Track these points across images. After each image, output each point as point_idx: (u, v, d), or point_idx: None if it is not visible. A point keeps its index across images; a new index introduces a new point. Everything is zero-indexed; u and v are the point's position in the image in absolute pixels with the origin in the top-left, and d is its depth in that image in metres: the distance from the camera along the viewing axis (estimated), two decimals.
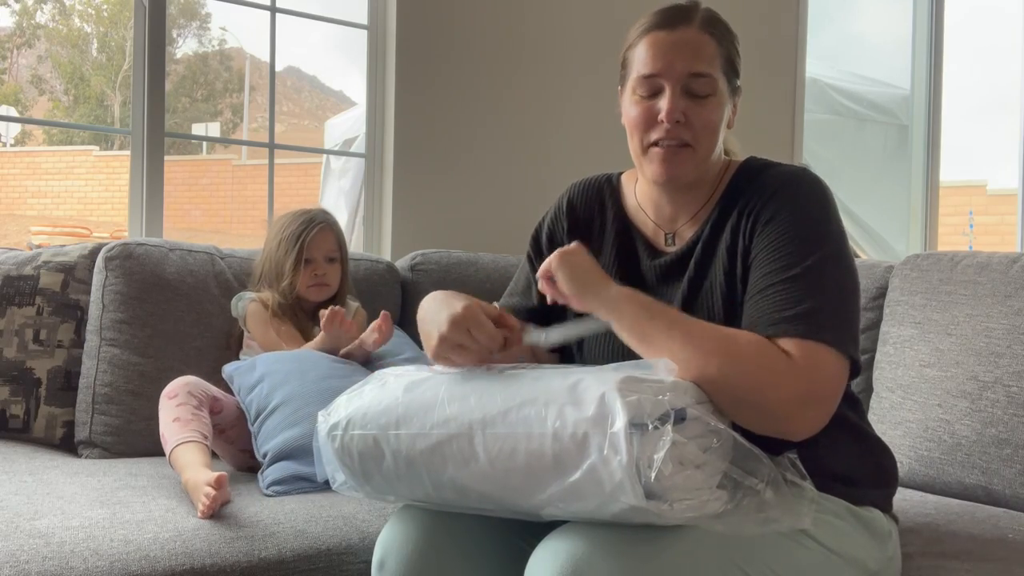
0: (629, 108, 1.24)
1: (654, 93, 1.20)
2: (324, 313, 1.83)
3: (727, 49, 1.22)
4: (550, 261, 1.16)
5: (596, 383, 0.97)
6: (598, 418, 0.93)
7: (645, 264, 1.30)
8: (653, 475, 0.90)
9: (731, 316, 1.19)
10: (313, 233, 1.99)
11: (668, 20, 1.21)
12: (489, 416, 1.00)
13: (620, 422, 0.91)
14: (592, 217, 1.36)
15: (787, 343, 1.07)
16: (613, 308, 1.12)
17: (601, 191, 1.38)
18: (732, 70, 1.23)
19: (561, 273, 1.15)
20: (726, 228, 1.22)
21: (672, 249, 1.28)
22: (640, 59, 1.21)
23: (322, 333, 1.85)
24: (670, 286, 1.26)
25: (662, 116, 1.19)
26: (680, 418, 0.95)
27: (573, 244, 1.19)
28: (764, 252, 1.15)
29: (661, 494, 0.92)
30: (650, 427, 0.92)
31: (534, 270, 1.37)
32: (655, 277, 1.28)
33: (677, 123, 1.19)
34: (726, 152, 1.31)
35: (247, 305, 1.96)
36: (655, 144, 1.21)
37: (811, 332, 1.07)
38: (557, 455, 0.95)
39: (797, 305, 1.09)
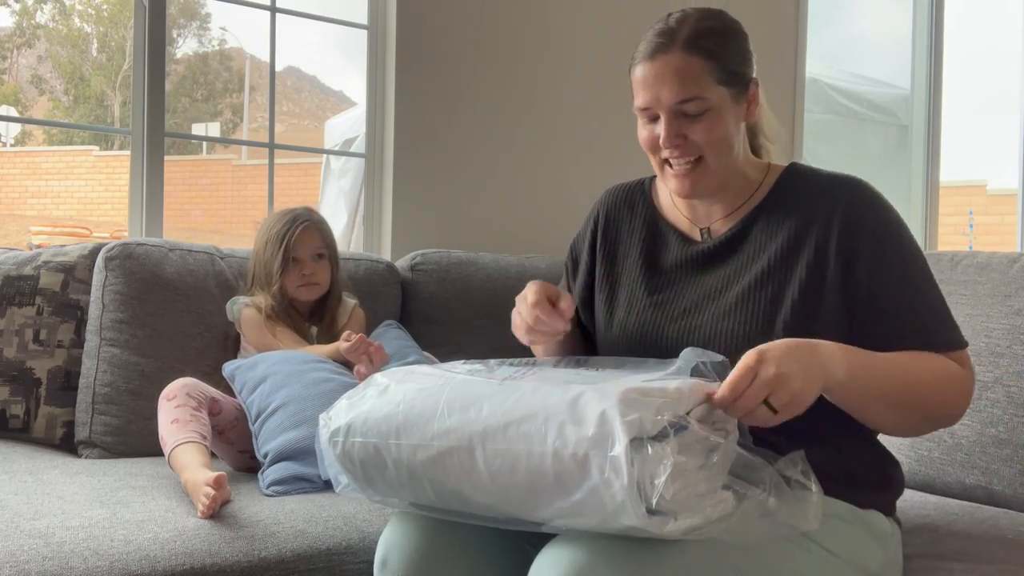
0: (638, 130, 1.29)
1: (652, 119, 1.25)
2: (348, 337, 1.80)
3: (720, 59, 1.21)
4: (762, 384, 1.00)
5: (597, 398, 0.95)
6: (598, 438, 0.92)
7: (677, 254, 1.33)
8: (655, 500, 0.90)
9: (798, 304, 1.21)
10: (297, 232, 1.96)
11: (651, 51, 1.23)
12: (489, 430, 0.99)
13: (620, 445, 0.90)
14: (621, 221, 1.42)
15: (954, 356, 1.19)
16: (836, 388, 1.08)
17: (631, 194, 1.44)
18: (732, 75, 1.23)
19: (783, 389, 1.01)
20: (785, 228, 1.25)
21: (708, 241, 1.32)
22: (634, 90, 1.26)
23: (336, 347, 1.82)
24: (706, 273, 1.30)
25: (661, 143, 1.24)
26: (682, 427, 0.94)
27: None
28: (883, 267, 1.20)
29: (664, 511, 0.91)
30: (650, 450, 0.91)
31: (568, 281, 1.48)
32: (690, 266, 1.32)
33: (678, 145, 1.23)
34: (760, 146, 1.35)
35: (241, 310, 1.95)
36: (667, 163, 1.26)
37: (959, 342, 1.21)
38: (558, 474, 0.94)
39: (942, 319, 1.21)
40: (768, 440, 1.10)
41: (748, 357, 1.02)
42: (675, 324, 1.27)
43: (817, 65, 3.80)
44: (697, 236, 1.33)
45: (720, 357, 1.05)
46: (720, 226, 1.31)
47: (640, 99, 1.24)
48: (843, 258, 1.21)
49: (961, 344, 1.21)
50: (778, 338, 1.08)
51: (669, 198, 1.39)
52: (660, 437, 0.92)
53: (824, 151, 3.99)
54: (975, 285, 1.70)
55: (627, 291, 1.36)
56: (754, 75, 1.27)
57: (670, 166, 1.26)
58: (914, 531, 1.39)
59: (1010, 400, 1.57)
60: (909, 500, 1.57)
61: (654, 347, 1.27)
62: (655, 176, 1.42)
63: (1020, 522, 1.44)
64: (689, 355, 1.05)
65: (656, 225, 1.38)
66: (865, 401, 1.12)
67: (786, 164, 1.33)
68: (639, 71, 1.24)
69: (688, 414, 0.97)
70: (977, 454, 1.60)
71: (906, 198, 4.02)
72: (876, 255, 1.20)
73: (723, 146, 1.24)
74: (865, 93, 4.27)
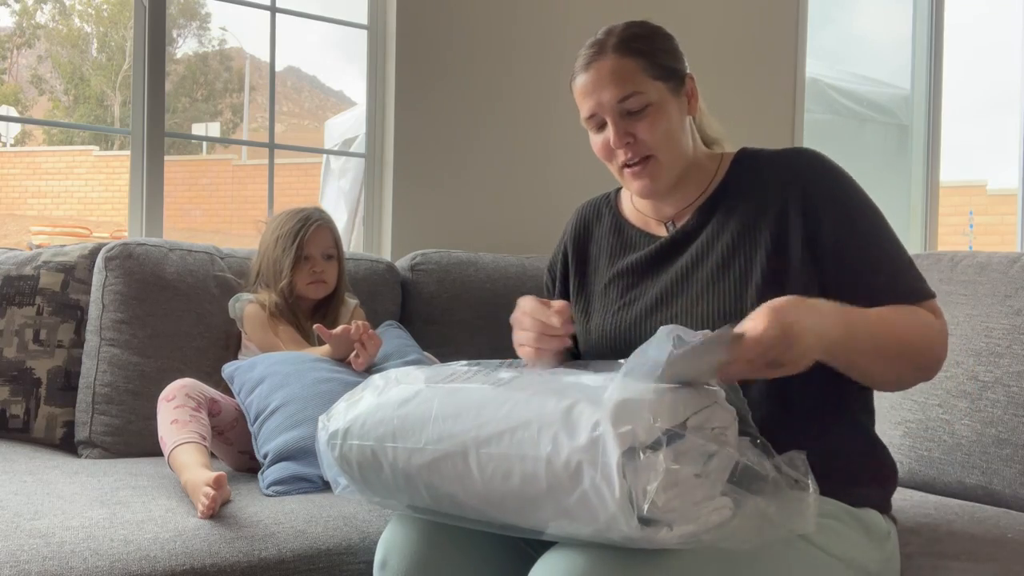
0: (591, 141, 1.34)
1: (600, 126, 1.30)
2: (320, 327, 1.81)
3: (650, 57, 1.28)
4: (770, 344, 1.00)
5: (591, 408, 0.95)
6: (591, 448, 0.91)
7: (643, 253, 1.37)
8: (647, 506, 0.89)
9: (768, 274, 1.23)
10: (311, 231, 1.99)
11: (585, 62, 1.30)
12: (483, 436, 0.99)
13: (613, 456, 0.90)
14: (591, 233, 1.47)
15: (926, 306, 1.22)
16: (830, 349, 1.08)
17: (598, 206, 1.49)
18: (665, 70, 1.28)
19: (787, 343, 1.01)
20: (743, 206, 1.29)
21: (671, 232, 1.35)
22: (578, 103, 1.32)
23: (326, 346, 1.83)
24: (673, 264, 1.33)
25: (612, 145, 1.29)
26: (678, 435, 0.94)
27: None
28: (846, 229, 1.23)
29: (658, 519, 0.91)
30: (642, 456, 0.90)
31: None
32: (656, 260, 1.35)
33: (629, 144, 1.28)
34: (713, 140, 1.39)
35: (244, 307, 1.95)
36: (624, 166, 1.31)
37: (928, 292, 1.23)
38: (551, 483, 0.94)
39: (910, 271, 1.23)
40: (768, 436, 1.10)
41: (764, 314, 1.01)
42: (650, 318, 1.30)
43: (817, 65, 3.80)
44: (663, 232, 1.37)
45: (698, 334, 1.03)
46: (682, 216, 1.35)
47: (585, 109, 1.30)
48: (807, 225, 1.24)
49: (930, 294, 1.23)
50: (752, 311, 1.07)
51: (631, 202, 1.43)
52: (655, 446, 0.92)
53: (824, 151, 3.99)
54: (975, 285, 1.70)
55: (600, 298, 1.39)
56: (688, 71, 1.32)
57: (626, 168, 1.31)
58: (914, 530, 1.39)
59: (1010, 400, 1.57)
60: (909, 500, 1.57)
61: (634, 345, 1.26)
62: (620, 188, 1.47)
63: (1020, 522, 1.44)
64: (663, 333, 1.03)
65: (622, 231, 1.42)
66: (856, 356, 1.13)
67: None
68: (578, 82, 1.30)
69: (685, 422, 0.96)
70: (977, 454, 1.60)
71: (906, 198, 4.02)
72: (838, 217, 1.23)
73: (671, 139, 1.28)
74: (865, 93, 4.27)
